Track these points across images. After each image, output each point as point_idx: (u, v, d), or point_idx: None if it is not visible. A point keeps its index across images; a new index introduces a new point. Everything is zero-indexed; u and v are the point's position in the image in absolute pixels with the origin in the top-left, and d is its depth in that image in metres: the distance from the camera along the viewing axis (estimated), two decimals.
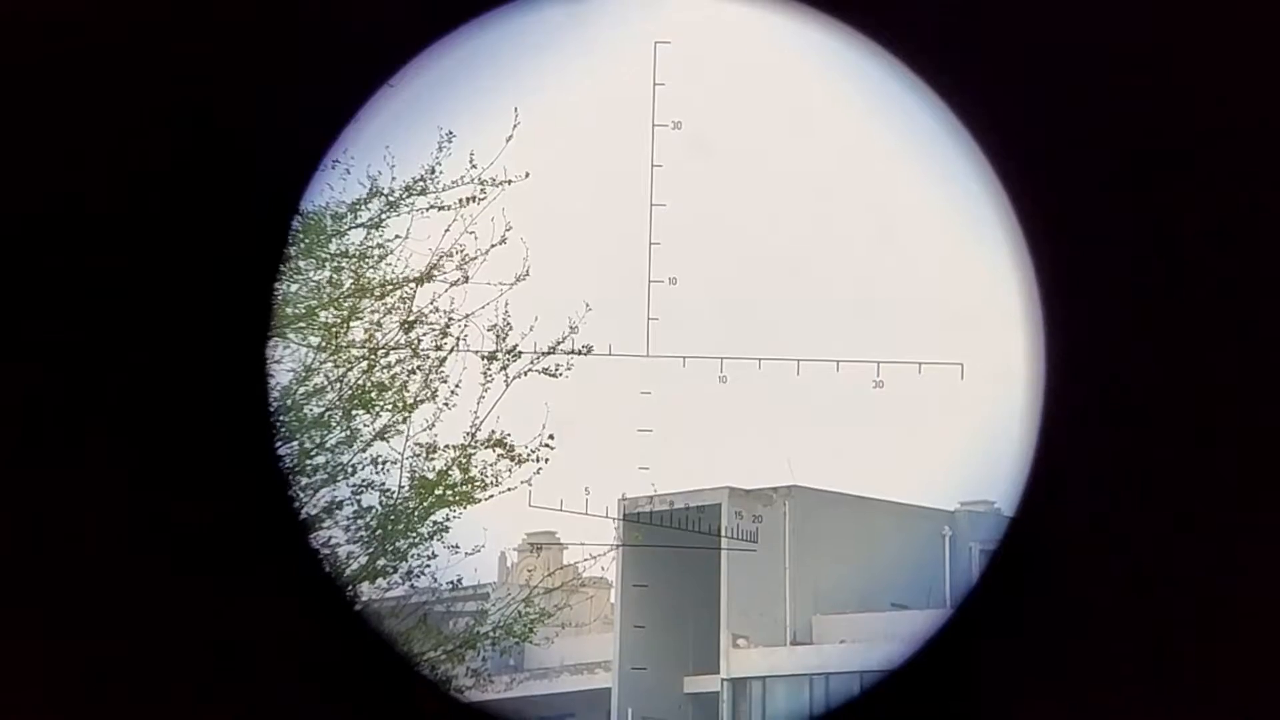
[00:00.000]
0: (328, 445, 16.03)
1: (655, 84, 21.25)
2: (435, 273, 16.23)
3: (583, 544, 21.50)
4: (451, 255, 16.22)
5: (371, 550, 16.06)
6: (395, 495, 16.16)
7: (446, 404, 16.30)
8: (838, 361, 23.65)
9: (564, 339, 16.69)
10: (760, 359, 23.25)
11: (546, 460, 16.52)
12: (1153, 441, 4.20)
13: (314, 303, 16.06)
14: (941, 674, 4.25)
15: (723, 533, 29.73)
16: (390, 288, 16.21)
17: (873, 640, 26.03)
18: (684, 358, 22.15)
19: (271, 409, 4.40)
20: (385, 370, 16.20)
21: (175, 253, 4.17)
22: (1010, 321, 4.27)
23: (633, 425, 22.03)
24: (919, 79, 4.21)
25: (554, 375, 16.64)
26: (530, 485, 16.53)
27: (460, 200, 16.21)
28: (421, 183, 16.17)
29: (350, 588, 15.16)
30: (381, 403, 16.12)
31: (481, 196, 16.25)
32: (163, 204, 4.17)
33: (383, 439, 16.04)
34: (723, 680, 30.62)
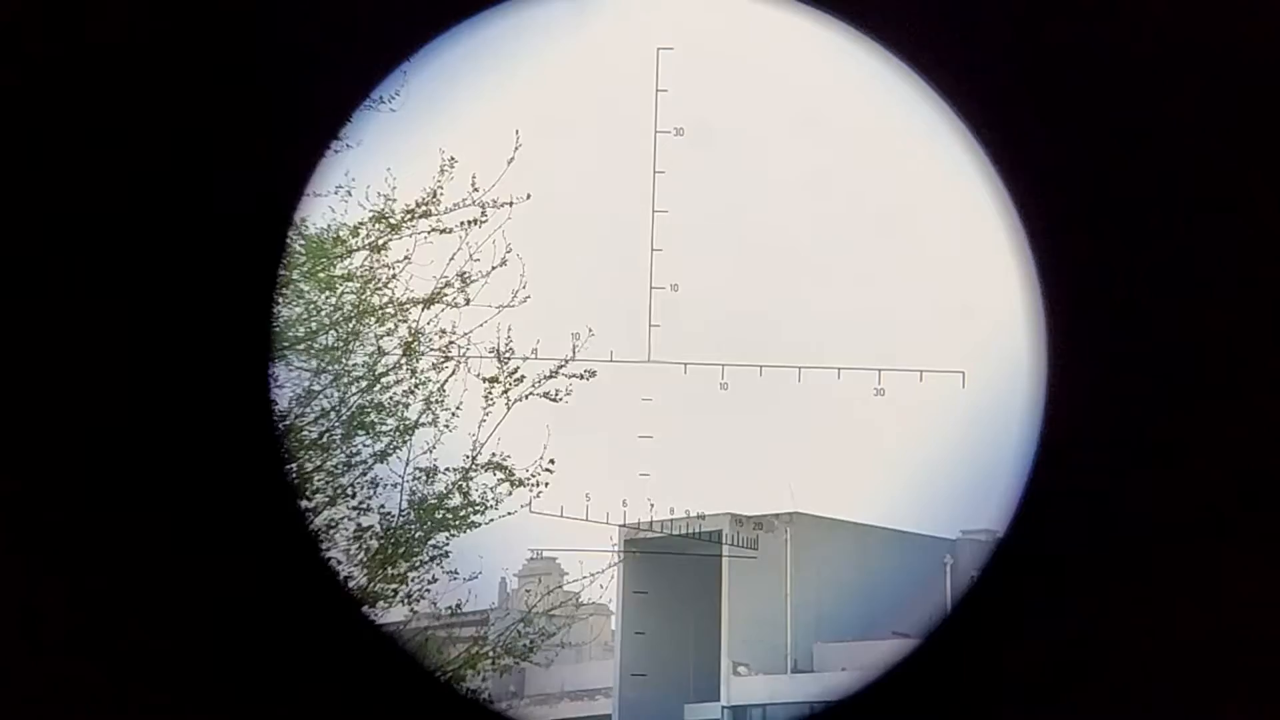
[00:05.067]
0: (327, 467, 16.01)
1: (658, 90, 21.28)
2: (438, 295, 16.22)
3: (584, 550, 21.44)
4: (453, 282, 16.23)
5: (371, 573, 16.03)
6: (395, 518, 16.14)
7: (447, 427, 16.30)
8: (839, 369, 23.65)
9: (566, 363, 16.68)
10: (761, 366, 23.28)
11: (546, 484, 16.52)
12: (1153, 452, 4.18)
13: (315, 326, 16.05)
14: (936, 681, 4.23)
15: (724, 553, 29.66)
16: (392, 310, 16.20)
17: (873, 668, 25.95)
18: (685, 364, 22.17)
19: (277, 424, 4.39)
20: (385, 392, 16.19)
21: (171, 263, 4.16)
22: (1013, 330, 4.26)
23: (633, 431, 22.00)
24: (925, 83, 4.20)
25: (555, 399, 16.62)
26: (529, 508, 16.52)
27: (462, 223, 16.22)
28: (424, 206, 16.17)
29: (361, 600, 15.14)
30: (381, 425, 16.10)
31: (483, 220, 16.25)
32: (154, 217, 4.16)
33: (382, 461, 16.03)
34: (723, 707, 30.54)
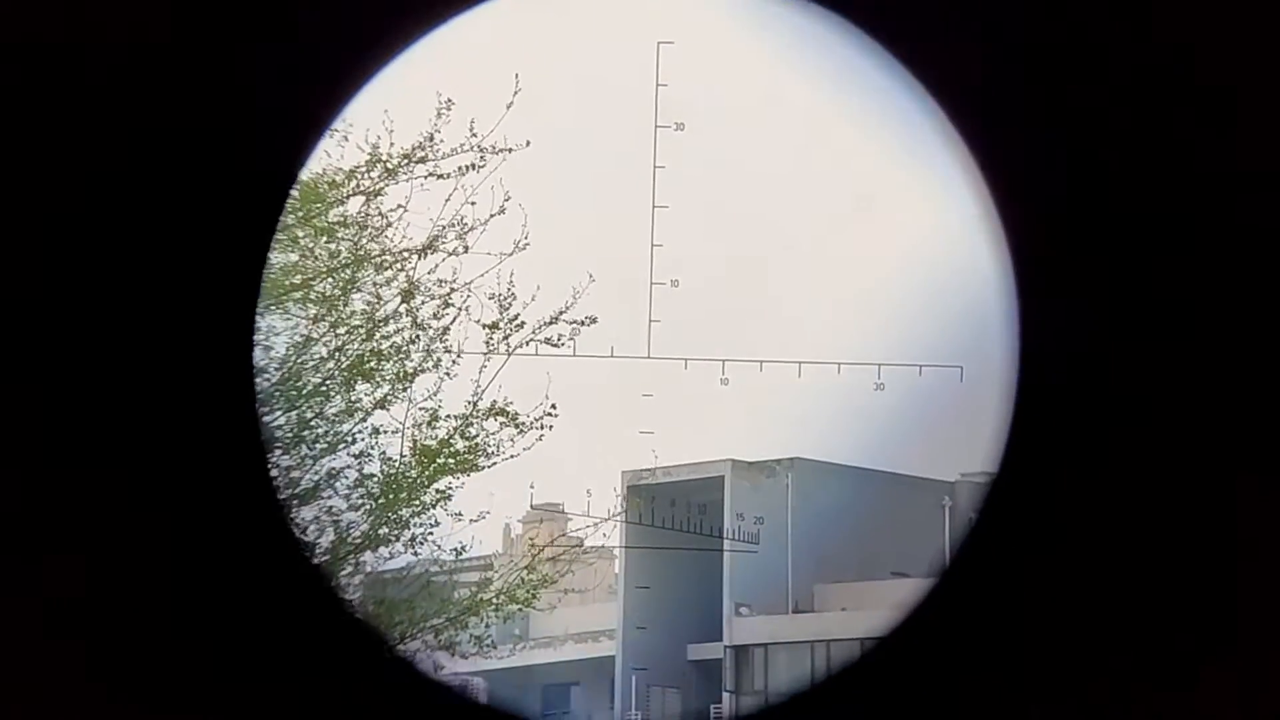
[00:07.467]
0: (327, 415, 16.00)
1: (658, 85, 21.22)
2: (436, 244, 16.18)
3: (589, 496, 21.49)
4: (451, 226, 16.19)
5: (373, 518, 16.05)
6: (397, 463, 16.14)
7: (448, 374, 16.27)
8: (839, 364, 23.66)
9: (567, 308, 16.62)
10: (762, 361, 23.26)
11: (550, 428, 16.49)
12: (1143, 431, 4.18)
13: (311, 272, 16.01)
14: (932, 643, 4.23)
15: (726, 501, 29.74)
16: (389, 258, 16.16)
17: (873, 608, 26.08)
18: (685, 360, 22.14)
19: (255, 384, 4.37)
20: (385, 339, 16.16)
21: (167, 223, 4.15)
22: (1008, 323, 4.25)
23: (634, 427, 22.03)
24: (924, 86, 4.18)
25: (556, 345, 16.58)
26: (531, 449, 16.49)
27: (460, 168, 16.16)
28: (421, 150, 16.11)
29: (335, 563, 15.18)
30: (381, 372, 16.08)
31: (481, 164, 16.21)
32: (155, 173, 4.15)
33: (384, 408, 16.02)
34: (726, 647, 30.72)
